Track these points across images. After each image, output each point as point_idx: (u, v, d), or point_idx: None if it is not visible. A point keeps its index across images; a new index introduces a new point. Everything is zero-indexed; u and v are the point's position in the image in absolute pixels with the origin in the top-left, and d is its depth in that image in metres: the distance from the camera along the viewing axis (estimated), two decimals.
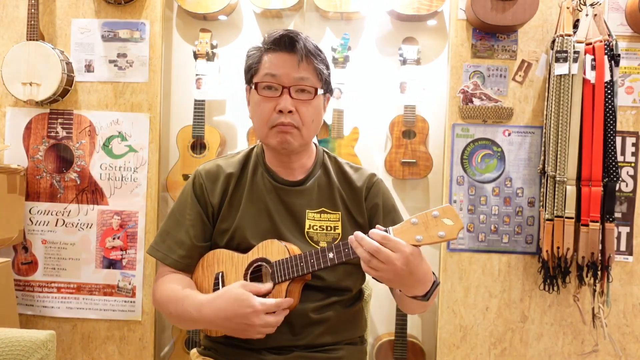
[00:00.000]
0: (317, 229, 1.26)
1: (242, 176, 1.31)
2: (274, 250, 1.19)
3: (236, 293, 1.11)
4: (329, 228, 1.26)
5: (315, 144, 1.36)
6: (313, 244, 1.25)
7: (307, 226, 1.26)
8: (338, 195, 1.29)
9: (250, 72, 1.25)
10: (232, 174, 1.30)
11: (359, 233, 1.04)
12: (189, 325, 1.25)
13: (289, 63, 1.19)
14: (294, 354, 1.21)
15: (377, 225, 1.07)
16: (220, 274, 1.24)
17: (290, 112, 1.19)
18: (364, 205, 1.30)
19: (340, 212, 1.28)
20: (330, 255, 1.10)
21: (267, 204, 1.27)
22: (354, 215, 1.30)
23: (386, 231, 1.04)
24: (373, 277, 1.09)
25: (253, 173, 1.30)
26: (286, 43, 1.19)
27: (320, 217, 1.27)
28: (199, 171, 1.31)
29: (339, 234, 1.27)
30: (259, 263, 1.20)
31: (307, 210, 1.27)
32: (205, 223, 1.28)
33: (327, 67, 1.26)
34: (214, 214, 1.28)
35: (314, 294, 1.23)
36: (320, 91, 1.24)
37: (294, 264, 1.14)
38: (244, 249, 1.24)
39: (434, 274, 1.13)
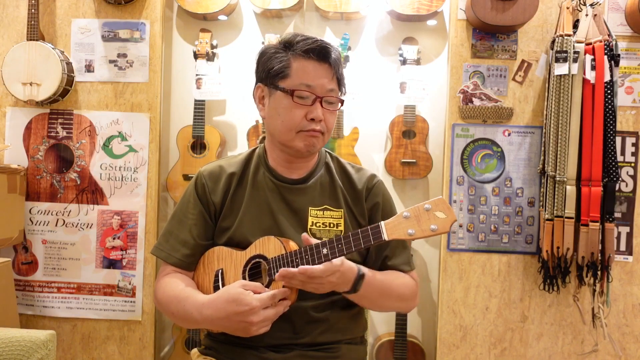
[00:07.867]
0: (320, 226, 1.27)
1: (244, 176, 1.33)
2: (270, 246, 1.20)
3: (234, 292, 1.13)
4: (331, 225, 1.28)
5: None
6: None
7: (309, 223, 1.27)
8: (341, 193, 1.32)
9: (279, 76, 1.23)
10: (234, 173, 1.32)
11: (283, 270, 1.11)
12: (192, 325, 1.26)
13: (323, 74, 1.22)
14: (294, 352, 1.22)
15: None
16: (220, 271, 1.26)
17: (320, 120, 1.23)
18: (365, 206, 1.33)
19: (342, 210, 1.30)
20: (324, 250, 1.12)
21: (269, 202, 1.28)
22: (355, 214, 1.32)
23: (378, 225, 1.08)
24: None
25: (255, 173, 1.32)
26: (321, 54, 1.22)
27: (324, 214, 1.29)
28: (201, 172, 1.34)
29: (341, 231, 1.28)
30: (257, 260, 1.22)
31: (309, 208, 1.28)
32: (208, 222, 1.30)
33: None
34: (216, 213, 1.30)
35: None
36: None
37: (289, 260, 1.15)
38: (245, 246, 1.25)
39: (358, 267, 1.18)
